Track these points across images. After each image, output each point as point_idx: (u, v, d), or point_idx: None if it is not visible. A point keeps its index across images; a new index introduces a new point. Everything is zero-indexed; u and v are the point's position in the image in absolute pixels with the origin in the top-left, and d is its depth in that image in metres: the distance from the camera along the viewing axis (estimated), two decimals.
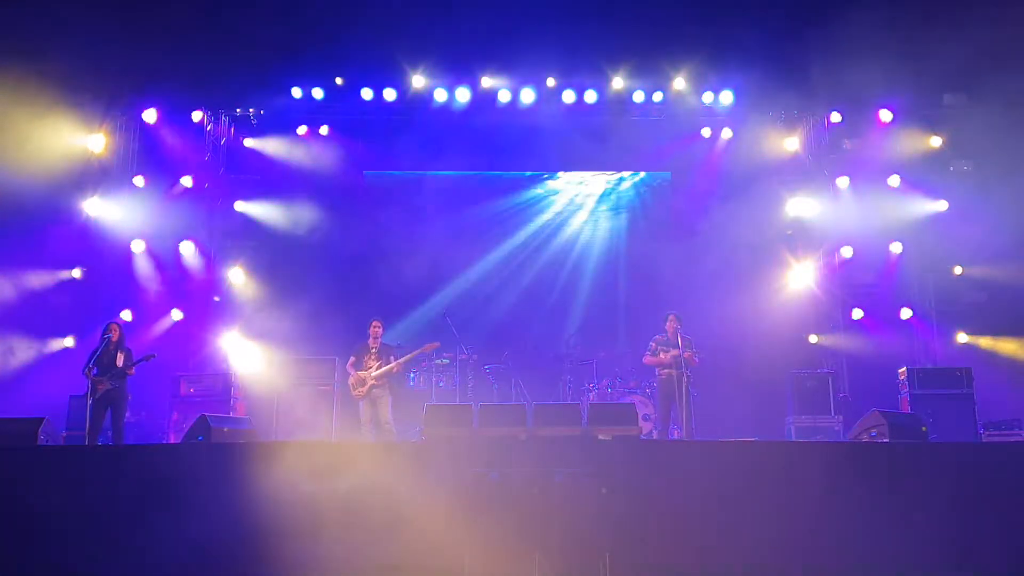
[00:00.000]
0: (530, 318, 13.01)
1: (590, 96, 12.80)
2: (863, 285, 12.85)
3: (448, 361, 11.37)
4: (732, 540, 6.97)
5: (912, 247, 12.79)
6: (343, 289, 13.06)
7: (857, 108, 12.80)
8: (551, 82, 12.69)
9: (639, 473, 7.30)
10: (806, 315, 12.89)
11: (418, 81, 12.61)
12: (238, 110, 13.11)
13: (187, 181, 12.75)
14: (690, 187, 13.35)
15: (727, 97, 12.77)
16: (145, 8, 10.95)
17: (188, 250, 12.61)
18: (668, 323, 10.00)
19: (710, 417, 10.72)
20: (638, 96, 12.85)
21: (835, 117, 12.92)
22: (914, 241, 12.77)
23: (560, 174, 13.93)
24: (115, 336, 9.32)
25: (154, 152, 12.70)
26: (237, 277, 12.77)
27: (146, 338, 11.72)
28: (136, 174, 12.57)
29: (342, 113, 13.11)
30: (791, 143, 13.06)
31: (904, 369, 11.15)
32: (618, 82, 12.71)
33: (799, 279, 12.87)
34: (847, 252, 12.75)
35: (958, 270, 12.69)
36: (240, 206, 13.25)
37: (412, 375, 11.50)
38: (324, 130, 13.26)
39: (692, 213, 13.16)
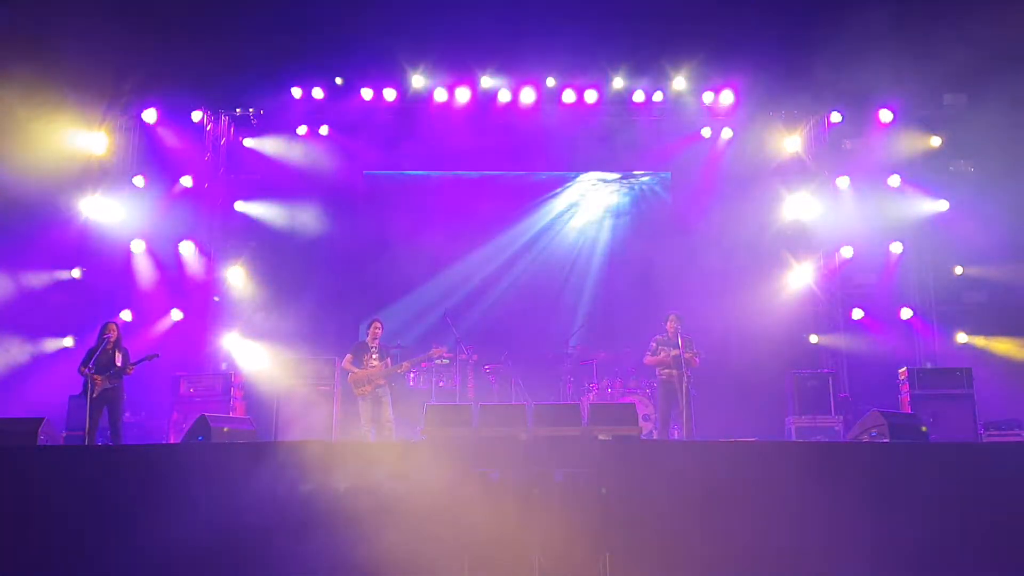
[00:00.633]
0: (530, 318, 13.00)
1: (590, 96, 12.80)
2: (863, 285, 12.85)
3: (448, 361, 11.37)
4: (732, 540, 6.97)
5: (912, 247, 12.80)
6: (343, 289, 13.07)
7: (857, 108, 12.80)
8: (551, 82, 12.69)
9: (639, 473, 7.29)
10: (806, 315, 12.90)
11: (418, 81, 12.61)
12: (238, 110, 13.12)
13: (187, 181, 12.76)
14: (690, 187, 13.35)
15: (727, 97, 12.77)
16: (145, 8, 10.94)
17: (188, 250, 12.61)
18: (668, 323, 9.99)
19: (710, 417, 10.72)
20: (638, 96, 12.86)
21: (835, 117, 12.93)
22: (914, 241, 12.78)
23: (560, 174, 13.92)
24: (113, 336, 9.31)
25: (154, 152, 12.70)
26: (237, 277, 12.77)
27: (146, 338, 11.73)
28: (136, 174, 12.57)
29: (342, 113, 13.11)
30: (791, 143, 13.07)
31: (904, 369, 11.15)
32: (618, 82, 12.71)
33: (799, 279, 12.88)
34: (847, 252, 12.75)
35: (958, 270, 12.70)
36: (240, 206, 13.27)
37: (412, 375, 11.48)
38: (324, 130, 13.26)
39: (692, 213, 13.16)
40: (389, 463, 7.30)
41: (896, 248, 12.72)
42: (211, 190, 13.08)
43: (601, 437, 7.93)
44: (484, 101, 12.85)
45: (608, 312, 13.19)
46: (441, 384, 11.35)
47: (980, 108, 12.13)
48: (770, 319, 12.38)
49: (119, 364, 9.22)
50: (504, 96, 12.74)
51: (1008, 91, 11.54)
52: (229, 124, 13.29)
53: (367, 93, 12.80)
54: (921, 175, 12.75)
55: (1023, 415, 10.67)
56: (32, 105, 10.86)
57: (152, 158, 12.70)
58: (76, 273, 12.31)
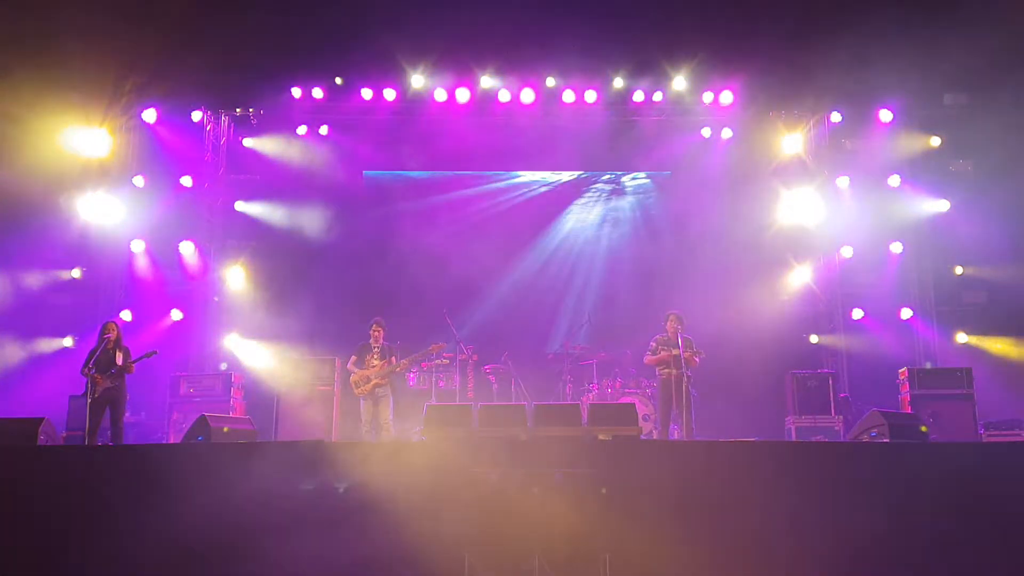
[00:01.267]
0: (531, 318, 13.00)
1: (590, 96, 12.80)
2: (863, 285, 12.84)
3: (448, 361, 11.37)
4: (732, 540, 6.97)
5: (912, 247, 12.79)
6: (343, 289, 13.06)
7: (857, 108, 12.80)
8: (551, 82, 12.69)
9: (639, 473, 7.29)
10: (806, 315, 12.91)
11: (418, 81, 12.60)
12: (238, 110, 13.11)
13: (187, 181, 12.77)
14: (690, 187, 13.33)
15: (727, 97, 12.76)
16: (145, 8, 10.94)
17: (188, 250, 12.61)
18: (668, 323, 9.99)
19: (710, 417, 10.72)
20: (638, 96, 12.85)
21: (835, 117, 12.94)
22: (914, 241, 12.78)
23: (560, 174, 13.92)
24: (113, 336, 9.32)
25: (154, 152, 12.70)
26: (237, 277, 12.77)
27: (146, 338, 11.72)
28: (136, 174, 12.58)
29: (342, 113, 13.12)
30: (791, 143, 13.06)
31: (904, 369, 11.15)
32: (618, 82, 12.71)
33: (799, 279, 12.88)
34: (847, 252, 12.75)
35: (958, 270, 12.69)
36: (240, 206, 13.27)
37: (412, 375, 11.48)
38: (324, 130, 13.27)
39: (692, 213, 13.16)
40: (388, 463, 7.30)
41: (896, 248, 12.72)
42: (211, 190, 13.08)
43: (601, 437, 7.93)
44: (484, 101, 12.85)
45: (608, 312, 13.18)
46: (441, 384, 11.34)
47: (980, 108, 12.14)
48: (770, 319, 12.38)
49: (120, 363, 9.23)
50: (504, 96, 12.74)
51: (1008, 91, 11.55)
52: (229, 124, 13.29)
53: (367, 93, 12.79)
54: (921, 175, 12.76)
55: (1023, 415, 10.67)
56: (33, 105, 10.87)
57: (152, 158, 12.70)
58: (76, 273, 12.31)
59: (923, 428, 8.83)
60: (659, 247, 13.40)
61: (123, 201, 12.27)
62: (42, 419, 8.25)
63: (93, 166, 12.24)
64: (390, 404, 9.85)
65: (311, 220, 13.15)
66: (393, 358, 9.90)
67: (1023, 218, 11.88)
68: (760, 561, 6.95)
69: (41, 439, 8.14)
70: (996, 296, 12.47)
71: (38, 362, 11.64)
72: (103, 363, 9.14)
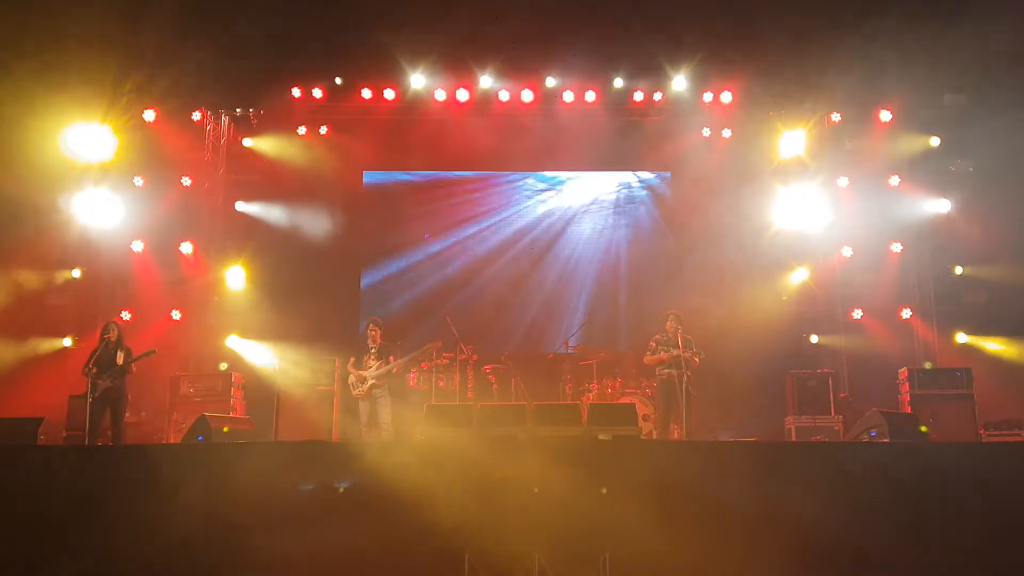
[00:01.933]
0: (531, 318, 13.00)
1: (590, 96, 12.80)
2: (863, 285, 12.83)
3: (448, 361, 11.37)
4: (731, 540, 6.97)
5: (912, 247, 12.78)
6: (343, 289, 13.08)
7: (857, 108, 12.79)
8: (551, 82, 12.69)
9: (639, 473, 7.30)
10: (806, 315, 12.89)
11: (418, 81, 12.60)
12: (238, 110, 13.11)
13: (187, 181, 12.76)
14: (690, 187, 13.33)
15: (727, 97, 12.77)
16: (145, 8, 10.94)
17: (188, 250, 12.61)
18: (668, 323, 9.97)
19: (710, 417, 10.72)
20: (638, 96, 12.85)
21: (835, 117, 12.93)
22: (914, 241, 12.77)
23: (560, 174, 13.92)
24: (114, 335, 9.32)
25: (154, 152, 12.69)
26: (237, 277, 12.76)
27: (146, 338, 11.70)
28: (136, 174, 12.57)
29: (342, 113, 13.11)
30: (791, 143, 13.04)
31: (904, 369, 11.15)
32: (618, 82, 12.71)
33: (799, 279, 12.88)
34: (847, 252, 12.75)
35: (958, 270, 12.69)
36: (240, 206, 13.28)
37: (412, 375, 11.47)
38: (324, 130, 13.27)
39: (692, 213, 13.16)
40: (388, 463, 7.30)
41: (896, 248, 12.71)
42: (211, 190, 13.08)
43: (601, 437, 7.93)
44: (484, 101, 12.85)
45: (608, 312, 13.19)
46: (441, 384, 11.33)
47: (980, 108, 12.13)
48: (770, 319, 12.37)
49: (120, 363, 9.23)
50: (504, 96, 12.74)
51: (1008, 91, 11.54)
52: (229, 124, 13.29)
53: (367, 93, 12.79)
54: (921, 175, 12.75)
55: (1023, 415, 10.67)
56: (33, 105, 10.87)
57: (152, 158, 12.69)
58: (76, 273, 12.30)
59: (923, 428, 8.83)
60: (659, 247, 13.41)
61: (123, 201, 12.27)
62: (42, 419, 8.27)
63: (93, 166, 12.24)
64: (388, 405, 9.83)
65: (311, 220, 13.16)
66: (390, 358, 9.89)
67: (1023, 218, 11.87)
68: (760, 561, 6.95)
69: (41, 439, 8.14)
70: (996, 296, 12.46)
71: (38, 362, 11.64)
72: (104, 363, 9.15)
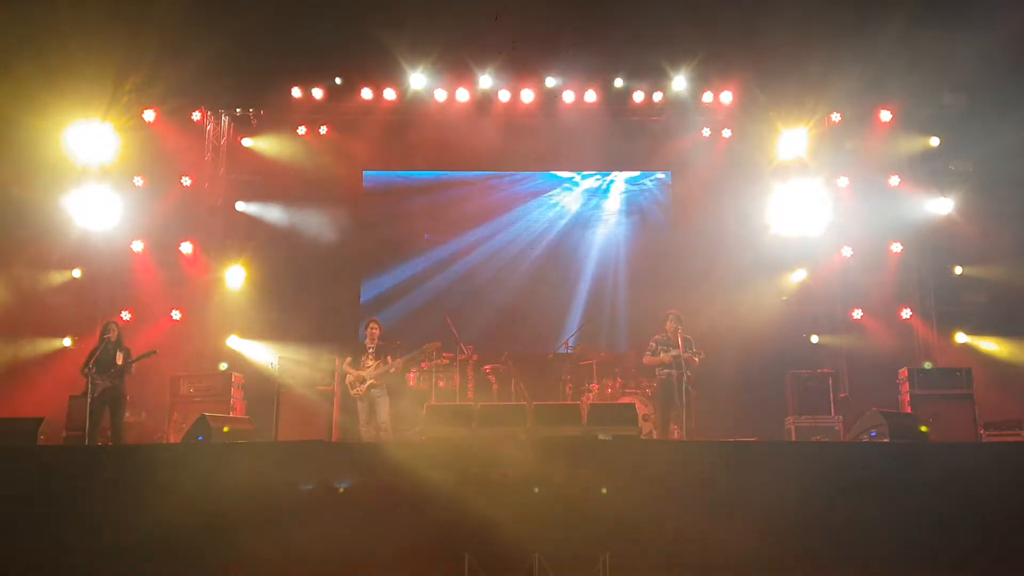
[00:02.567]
0: (530, 318, 13.00)
1: (590, 96, 12.80)
2: (863, 285, 12.83)
3: (448, 361, 11.37)
4: (731, 540, 6.97)
5: (912, 247, 12.78)
6: (342, 289, 13.08)
7: (857, 108, 12.79)
8: (551, 82, 12.68)
9: (639, 473, 7.30)
10: (806, 315, 12.90)
11: (418, 81, 12.59)
12: (238, 110, 13.12)
13: (187, 181, 12.76)
14: (690, 187, 13.33)
15: (727, 97, 12.77)
16: (145, 8, 10.94)
17: (188, 250, 12.61)
18: (668, 323, 9.98)
19: (710, 417, 10.72)
20: (638, 96, 12.85)
21: (835, 117, 12.93)
22: (914, 241, 12.77)
23: (560, 174, 13.92)
24: (114, 336, 9.33)
25: (154, 152, 12.69)
26: (237, 277, 12.76)
27: (146, 338, 11.71)
28: (136, 174, 12.57)
29: (342, 113, 13.11)
30: (791, 143, 13.04)
31: (904, 369, 11.15)
32: (618, 82, 12.71)
33: (799, 278, 12.88)
34: (847, 252, 12.75)
35: (958, 270, 12.68)
36: (240, 206, 13.28)
37: (412, 375, 11.47)
38: (324, 130, 13.28)
39: (692, 213, 13.17)
40: (388, 463, 7.31)
41: (896, 248, 12.71)
42: (211, 190, 13.08)
43: (601, 437, 7.94)
44: (484, 101, 12.85)
45: (608, 312, 13.19)
46: (441, 384, 11.33)
47: (980, 108, 12.12)
48: (770, 319, 12.37)
49: (120, 363, 9.23)
50: (504, 96, 12.74)
51: (1008, 91, 11.53)
52: (229, 124, 13.29)
53: (367, 93, 12.79)
54: (921, 175, 12.75)
55: (1023, 415, 10.66)
56: (33, 105, 10.87)
57: (152, 158, 12.68)
58: (76, 273, 12.30)
59: (923, 428, 8.83)
60: (659, 247, 13.41)
61: (123, 201, 12.27)
62: (42, 419, 8.26)
63: (93, 166, 12.23)
64: (387, 405, 9.82)
65: (311, 220, 13.16)
66: (389, 358, 9.89)
67: (1023, 218, 11.86)
68: (760, 560, 6.95)
69: (41, 439, 8.14)
70: (996, 296, 12.46)
71: (38, 362, 11.63)
72: (103, 363, 9.15)
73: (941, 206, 12.60)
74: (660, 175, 13.91)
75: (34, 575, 6.97)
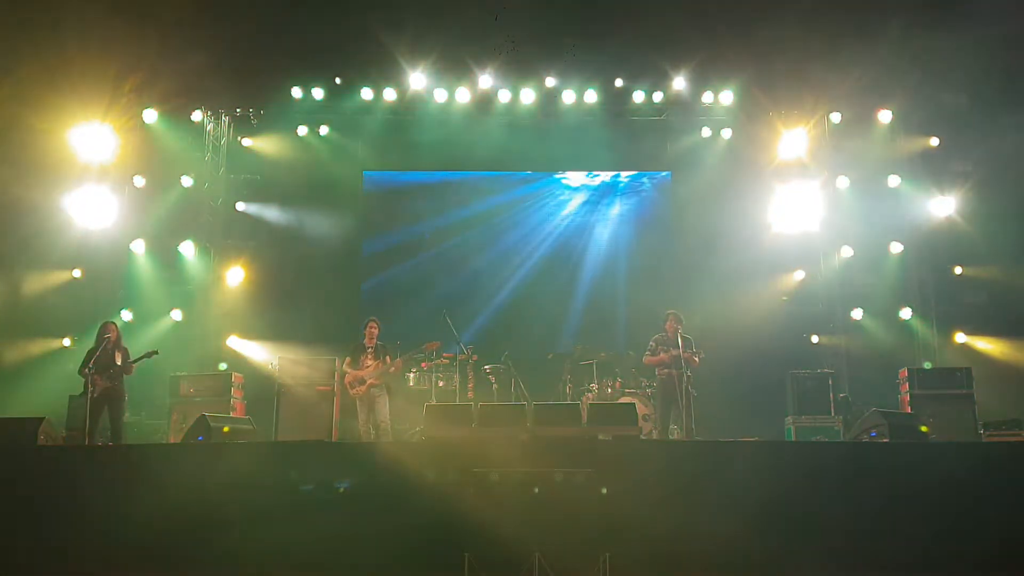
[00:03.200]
0: (530, 318, 12.99)
1: (590, 96, 12.80)
2: (863, 285, 12.83)
3: (448, 361, 11.37)
4: (731, 540, 6.97)
5: (912, 247, 12.78)
6: (343, 289, 13.08)
7: (857, 108, 12.79)
8: (551, 82, 12.68)
9: (639, 473, 7.30)
10: (806, 315, 12.90)
11: (418, 81, 12.59)
12: (238, 110, 13.12)
13: (187, 181, 12.76)
14: (690, 187, 13.33)
15: (727, 97, 12.77)
16: (145, 8, 10.94)
17: (188, 250, 12.61)
18: (668, 323, 9.98)
19: (710, 417, 10.70)
20: (638, 96, 12.85)
21: (835, 117, 12.92)
22: (914, 241, 12.77)
23: (560, 174, 13.92)
24: (113, 336, 9.31)
25: (154, 152, 12.69)
26: (237, 277, 12.76)
27: (146, 338, 11.71)
28: (136, 174, 12.57)
29: (342, 113, 13.11)
30: (791, 143, 13.05)
31: (904, 369, 11.15)
32: (618, 82, 12.70)
33: (799, 278, 12.87)
34: (847, 252, 12.75)
35: (958, 270, 12.68)
36: (240, 206, 13.28)
37: (412, 374, 11.48)
38: (324, 130, 13.28)
39: (692, 213, 13.16)
40: (387, 463, 7.31)
41: (896, 248, 12.71)
42: (211, 190, 13.08)
43: (601, 437, 7.94)
44: (484, 101, 12.84)
45: (608, 312, 13.19)
46: (441, 384, 11.33)
47: (980, 108, 12.12)
48: (770, 319, 12.38)
49: (119, 364, 9.22)
50: (504, 96, 12.74)
51: (1008, 91, 11.53)
52: (229, 124, 13.29)
53: (367, 93, 12.79)
54: (921, 175, 12.75)
55: (1023, 415, 10.66)
56: (33, 105, 10.87)
57: (152, 158, 12.68)
58: (76, 273, 12.30)
59: (923, 428, 8.82)
60: (659, 247, 13.41)
61: (123, 201, 12.26)
62: (42, 419, 8.25)
63: (93, 166, 12.23)
64: (386, 404, 9.83)
65: (311, 220, 13.16)
66: (387, 358, 9.88)
67: (1023, 218, 11.86)
68: (760, 560, 6.95)
69: (41, 439, 8.13)
70: (996, 296, 12.45)
71: (38, 362, 11.63)
72: (102, 363, 9.13)
73: (941, 206, 12.60)
74: (660, 175, 13.91)
75: (34, 575, 6.97)
